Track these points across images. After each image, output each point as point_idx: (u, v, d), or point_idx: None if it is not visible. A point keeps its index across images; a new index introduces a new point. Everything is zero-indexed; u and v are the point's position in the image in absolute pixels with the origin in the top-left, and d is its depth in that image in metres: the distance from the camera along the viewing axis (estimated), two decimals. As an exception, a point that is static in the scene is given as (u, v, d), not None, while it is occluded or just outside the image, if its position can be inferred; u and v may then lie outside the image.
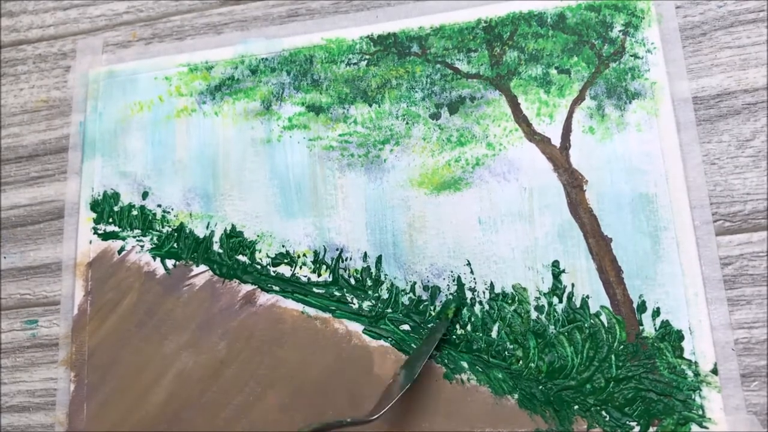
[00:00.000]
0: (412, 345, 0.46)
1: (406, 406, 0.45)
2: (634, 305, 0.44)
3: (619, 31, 0.48)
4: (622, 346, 0.43)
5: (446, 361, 0.45)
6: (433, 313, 0.46)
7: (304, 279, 0.48)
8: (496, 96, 0.48)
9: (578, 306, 0.44)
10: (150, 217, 0.51)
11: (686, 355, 0.42)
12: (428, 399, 0.45)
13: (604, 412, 0.42)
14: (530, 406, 0.43)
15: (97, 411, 0.48)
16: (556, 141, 0.47)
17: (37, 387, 0.50)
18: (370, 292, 0.47)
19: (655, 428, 0.42)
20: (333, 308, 0.47)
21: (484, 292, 0.46)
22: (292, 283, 0.48)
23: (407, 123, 0.49)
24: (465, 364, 0.45)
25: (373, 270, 0.47)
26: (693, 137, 0.45)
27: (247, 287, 0.49)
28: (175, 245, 0.50)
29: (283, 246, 0.49)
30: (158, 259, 0.50)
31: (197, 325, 0.49)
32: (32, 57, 0.58)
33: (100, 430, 0.48)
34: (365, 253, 0.48)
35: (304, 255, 0.48)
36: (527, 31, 0.49)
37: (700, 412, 0.41)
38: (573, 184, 0.46)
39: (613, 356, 0.43)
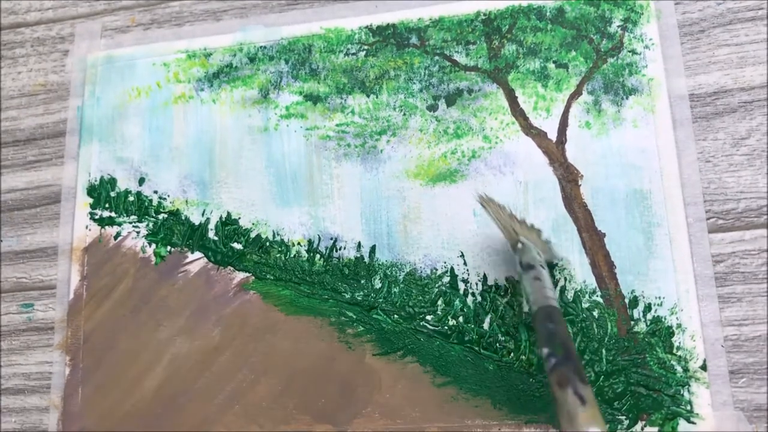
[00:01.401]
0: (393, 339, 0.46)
1: (390, 401, 0.45)
2: (626, 300, 0.44)
3: (618, 26, 0.48)
4: (613, 341, 0.44)
5: (436, 353, 0.45)
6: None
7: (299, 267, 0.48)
8: (494, 89, 0.48)
9: (570, 300, 0.45)
10: (146, 203, 0.51)
11: (676, 350, 0.43)
12: (414, 395, 0.45)
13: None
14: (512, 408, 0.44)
15: (92, 395, 0.49)
16: (553, 135, 0.47)
17: (32, 370, 0.50)
18: (362, 282, 0.47)
19: (643, 423, 0.42)
20: (326, 297, 0.47)
21: (476, 284, 0.46)
22: (287, 270, 0.48)
23: (404, 114, 0.49)
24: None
25: (366, 259, 0.47)
26: (689, 134, 0.45)
27: (241, 275, 0.49)
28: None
29: (277, 234, 0.49)
30: (153, 246, 0.51)
31: (191, 312, 0.49)
32: (30, 40, 0.57)
33: (94, 413, 0.48)
34: (359, 243, 0.48)
35: (299, 243, 0.49)
36: (526, 24, 0.49)
37: (689, 408, 0.42)
38: (568, 178, 0.46)
39: (603, 350, 0.43)
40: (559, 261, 0.44)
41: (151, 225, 0.51)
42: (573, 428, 0.30)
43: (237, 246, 0.49)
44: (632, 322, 0.44)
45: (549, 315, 0.35)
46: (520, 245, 0.40)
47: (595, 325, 0.44)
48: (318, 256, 0.48)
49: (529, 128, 0.47)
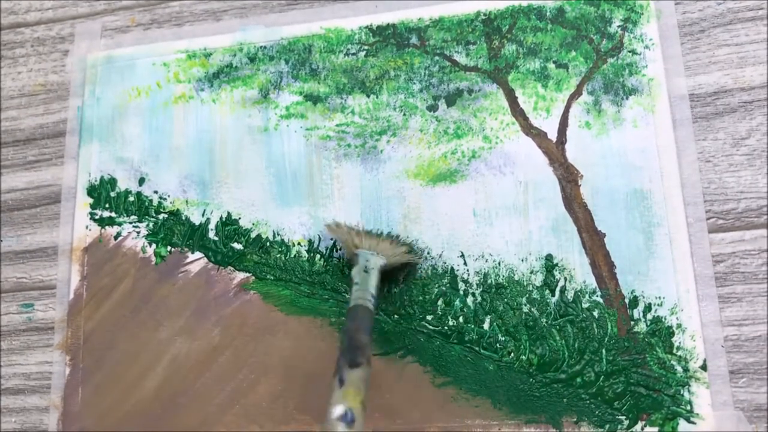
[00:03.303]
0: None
1: (390, 401, 0.45)
2: (626, 300, 0.44)
3: (618, 26, 0.48)
4: (613, 341, 0.44)
5: (436, 354, 0.45)
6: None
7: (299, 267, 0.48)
8: (494, 89, 0.48)
9: (571, 300, 0.45)
10: (146, 204, 0.51)
11: (676, 350, 0.43)
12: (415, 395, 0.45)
13: (593, 406, 0.43)
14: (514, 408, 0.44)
15: (92, 395, 0.49)
16: (553, 135, 0.47)
17: (32, 370, 0.50)
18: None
19: (643, 423, 0.42)
20: (326, 297, 0.48)
21: (477, 284, 0.46)
22: (287, 271, 0.48)
23: (404, 114, 0.49)
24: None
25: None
26: (689, 134, 0.45)
27: (241, 275, 0.49)
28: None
29: (277, 234, 0.49)
30: (153, 246, 0.51)
31: (191, 312, 0.49)
32: (30, 40, 0.57)
33: (94, 413, 0.48)
34: (360, 244, 0.48)
35: (299, 244, 0.49)
36: (526, 24, 0.49)
37: (689, 408, 0.42)
38: (568, 178, 0.46)
39: (603, 350, 0.44)
40: (420, 258, 0.46)
41: (151, 225, 0.51)
42: (328, 407, 0.34)
43: (237, 246, 0.49)
44: (632, 322, 0.44)
45: (349, 313, 0.39)
46: (354, 257, 0.44)
47: (595, 325, 0.44)
48: (318, 256, 0.48)
49: (529, 128, 0.47)
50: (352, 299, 0.41)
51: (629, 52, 0.47)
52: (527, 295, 0.45)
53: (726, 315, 0.43)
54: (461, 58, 0.49)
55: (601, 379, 0.43)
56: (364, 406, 0.34)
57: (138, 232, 0.51)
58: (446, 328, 0.46)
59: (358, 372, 0.35)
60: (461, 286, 0.46)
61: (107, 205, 0.52)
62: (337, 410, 0.33)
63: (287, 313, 0.48)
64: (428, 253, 0.47)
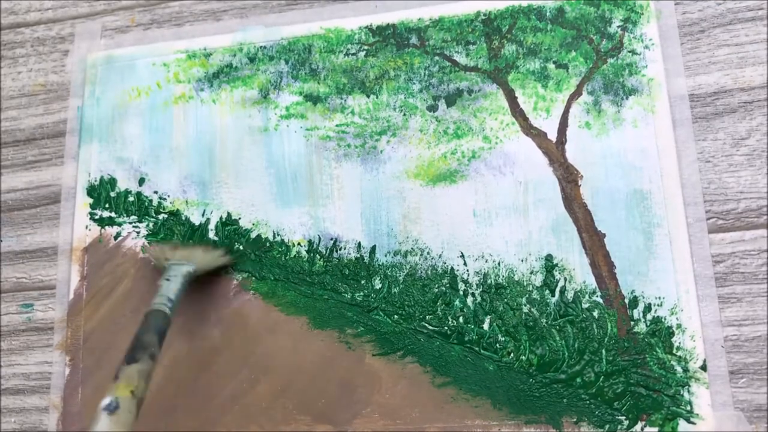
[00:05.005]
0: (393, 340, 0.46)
1: (390, 401, 0.45)
2: (626, 301, 0.44)
3: (618, 26, 0.48)
4: (613, 341, 0.44)
5: (436, 354, 0.45)
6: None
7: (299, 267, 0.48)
8: (494, 89, 0.48)
9: (570, 300, 0.45)
10: (146, 204, 0.51)
11: (676, 351, 0.43)
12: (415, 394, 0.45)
13: (593, 407, 0.43)
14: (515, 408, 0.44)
15: (92, 395, 0.49)
16: (553, 135, 0.47)
17: (32, 370, 0.50)
18: (363, 282, 0.47)
19: (643, 423, 0.42)
20: (326, 297, 0.48)
21: (477, 285, 0.46)
22: (288, 271, 0.48)
23: (404, 114, 0.49)
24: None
25: (366, 260, 0.47)
26: (689, 134, 0.45)
27: (241, 275, 0.49)
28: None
29: (277, 235, 0.49)
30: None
31: (191, 312, 0.49)
32: (30, 40, 0.57)
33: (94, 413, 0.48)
34: (359, 243, 0.48)
35: (299, 244, 0.49)
36: (526, 24, 0.49)
37: (688, 408, 0.42)
38: (568, 178, 0.46)
39: (603, 351, 0.44)
40: (236, 258, 0.49)
41: (151, 225, 0.51)
42: None
43: (237, 246, 0.49)
44: (632, 323, 0.44)
45: (143, 317, 0.42)
46: (162, 269, 0.47)
47: (595, 326, 0.44)
48: (318, 256, 0.48)
49: (529, 128, 0.47)
50: (151, 304, 0.43)
51: (629, 52, 0.47)
52: (527, 296, 0.45)
53: (726, 315, 0.43)
54: (461, 58, 0.49)
55: (601, 379, 0.43)
56: (134, 394, 0.38)
57: (138, 232, 0.51)
58: (446, 328, 0.46)
59: (134, 367, 0.39)
60: (461, 286, 0.46)
61: (107, 205, 0.52)
62: (104, 401, 0.37)
63: (287, 314, 0.48)
64: (428, 253, 0.47)
